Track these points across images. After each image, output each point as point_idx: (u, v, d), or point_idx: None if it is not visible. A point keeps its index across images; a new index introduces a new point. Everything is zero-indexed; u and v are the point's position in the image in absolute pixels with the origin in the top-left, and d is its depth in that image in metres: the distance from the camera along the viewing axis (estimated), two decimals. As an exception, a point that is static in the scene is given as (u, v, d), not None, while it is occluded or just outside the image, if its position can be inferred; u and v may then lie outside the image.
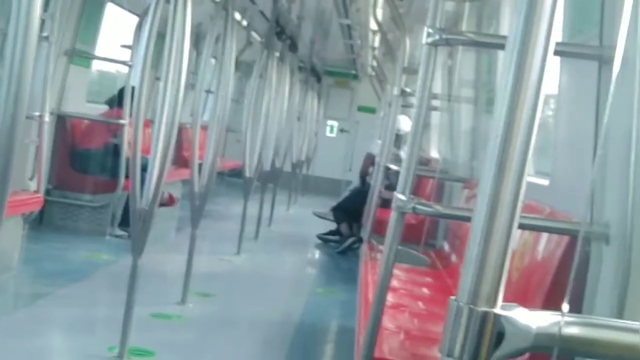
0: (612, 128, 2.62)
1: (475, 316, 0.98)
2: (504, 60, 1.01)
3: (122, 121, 7.71)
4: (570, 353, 1.05)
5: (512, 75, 0.97)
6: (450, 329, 0.99)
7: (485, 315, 0.98)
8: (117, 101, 8.06)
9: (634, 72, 2.40)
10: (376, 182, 6.49)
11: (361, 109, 17.77)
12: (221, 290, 6.48)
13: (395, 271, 4.84)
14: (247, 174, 8.23)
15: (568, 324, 1.02)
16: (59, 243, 7.25)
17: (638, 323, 1.09)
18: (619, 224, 2.56)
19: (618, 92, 2.47)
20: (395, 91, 5.67)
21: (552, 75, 3.45)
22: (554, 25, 0.98)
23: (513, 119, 0.97)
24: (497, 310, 0.99)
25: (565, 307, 1.04)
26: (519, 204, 0.98)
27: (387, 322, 3.58)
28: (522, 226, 3.17)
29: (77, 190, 7.88)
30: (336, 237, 9.59)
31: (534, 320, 1.02)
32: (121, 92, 8.04)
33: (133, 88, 7.64)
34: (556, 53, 2.91)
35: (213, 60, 9.46)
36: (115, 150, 7.90)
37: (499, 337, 0.99)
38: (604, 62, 2.73)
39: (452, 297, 1.00)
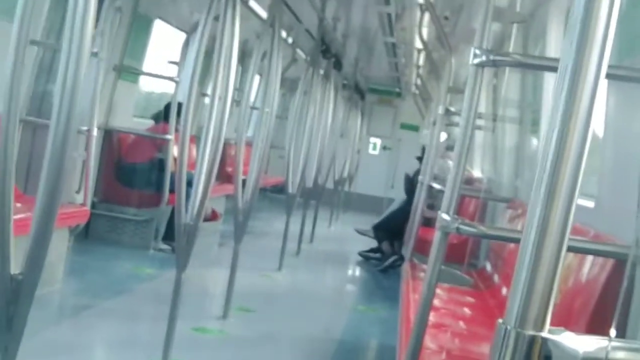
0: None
1: (522, 340, 0.98)
2: (555, 84, 1.01)
3: (167, 136, 7.79)
4: (617, 378, 1.05)
5: (564, 99, 0.98)
6: (498, 351, 1.00)
7: (532, 339, 0.98)
8: (163, 116, 8.16)
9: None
10: (418, 200, 6.48)
11: (404, 126, 17.74)
12: (262, 305, 6.51)
13: (437, 290, 4.83)
14: (290, 190, 8.27)
15: (615, 349, 1.02)
16: (104, 256, 7.33)
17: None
18: (665, 248, 2.54)
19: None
20: (440, 110, 5.66)
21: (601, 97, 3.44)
22: (607, 49, 0.99)
23: (564, 142, 0.98)
24: (545, 334, 0.99)
25: (612, 332, 1.04)
26: (568, 228, 0.99)
27: (429, 342, 3.57)
28: (567, 248, 3.16)
29: (122, 204, 7.97)
30: (377, 255, 9.57)
31: (580, 344, 1.02)
32: (167, 107, 8.13)
33: (179, 104, 7.74)
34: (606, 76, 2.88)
35: (258, 77, 9.56)
36: (161, 165, 7.98)
37: (546, 361, 0.99)
38: (653, 84, 2.71)
39: (500, 320, 1.01)
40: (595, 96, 0.97)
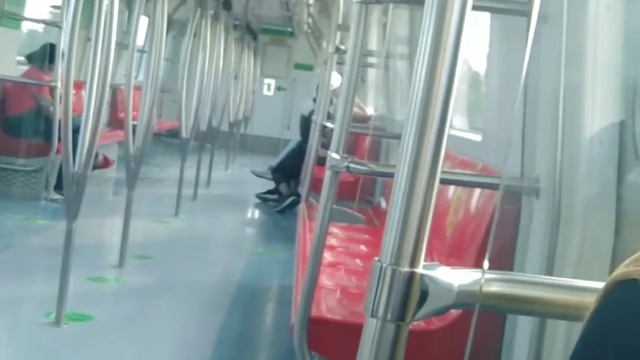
0: (541, 84, 2.64)
1: (398, 276, 0.98)
2: (423, 17, 1.00)
3: (53, 83, 7.55)
4: (491, 309, 1.07)
5: (432, 31, 0.97)
6: (374, 289, 0.99)
7: (407, 275, 0.98)
8: (39, 59, 7.88)
9: (560, 28, 2.43)
10: (313, 140, 6.49)
11: (298, 66, 17.67)
12: (160, 252, 6.45)
13: (333, 229, 4.86)
14: (184, 134, 8.16)
15: (488, 281, 1.03)
16: (-7, 209, 7.13)
17: (557, 278, 1.11)
18: (548, 178, 2.60)
19: (545, 49, 2.49)
20: (330, 48, 5.64)
21: (483, 32, 3.47)
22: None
23: (433, 75, 0.97)
24: (420, 269, 0.99)
25: (486, 264, 1.05)
26: (440, 164, 0.98)
27: (325, 280, 3.60)
28: (453, 182, 3.21)
29: (10, 155, 7.74)
30: (275, 196, 9.58)
31: (456, 278, 1.02)
32: (43, 50, 7.89)
33: (53, 47, 7.56)
34: (484, 9, 2.92)
35: (147, 19, 9.34)
36: (41, 113, 7.76)
37: (422, 296, 1.00)
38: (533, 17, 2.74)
39: (376, 258, 1.01)
40: (462, 28, 0.96)
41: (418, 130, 0.98)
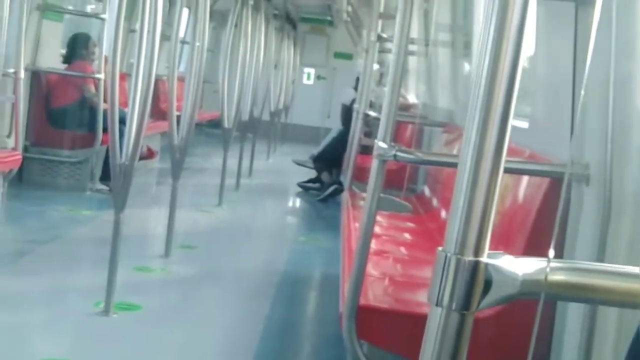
0: (591, 70, 2.62)
1: (462, 266, 0.98)
2: (484, 6, 1.00)
3: (98, 75, 7.62)
4: (556, 298, 1.07)
5: (495, 20, 0.97)
6: (439, 279, 1.00)
7: (472, 264, 0.98)
8: (74, 54, 7.97)
9: (610, 13, 2.40)
10: (355, 129, 6.48)
11: (338, 55, 17.68)
12: (204, 242, 6.50)
13: (377, 217, 4.85)
14: (226, 124, 8.20)
15: (554, 269, 1.02)
16: (39, 200, 7.22)
17: (623, 267, 1.10)
18: (598, 165, 2.58)
19: (596, 34, 2.46)
20: (372, 37, 5.62)
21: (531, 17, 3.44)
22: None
23: (497, 64, 0.97)
24: (484, 259, 0.99)
25: (551, 252, 1.05)
26: (504, 152, 0.98)
27: (371, 269, 3.59)
28: (506, 170, 3.19)
29: (55, 146, 7.83)
30: (317, 185, 9.60)
31: (520, 267, 1.02)
32: (72, 44, 7.98)
33: (87, 37, 7.66)
34: (534, -4, 2.87)
35: (187, 11, 9.39)
36: (86, 105, 7.85)
37: (487, 285, 0.99)
38: (581, 3, 2.72)
39: (440, 248, 1.01)
40: (525, 15, 0.96)
41: (481, 120, 0.98)
